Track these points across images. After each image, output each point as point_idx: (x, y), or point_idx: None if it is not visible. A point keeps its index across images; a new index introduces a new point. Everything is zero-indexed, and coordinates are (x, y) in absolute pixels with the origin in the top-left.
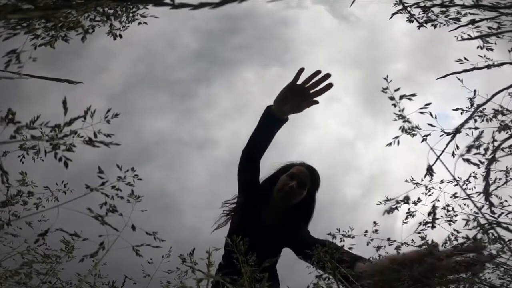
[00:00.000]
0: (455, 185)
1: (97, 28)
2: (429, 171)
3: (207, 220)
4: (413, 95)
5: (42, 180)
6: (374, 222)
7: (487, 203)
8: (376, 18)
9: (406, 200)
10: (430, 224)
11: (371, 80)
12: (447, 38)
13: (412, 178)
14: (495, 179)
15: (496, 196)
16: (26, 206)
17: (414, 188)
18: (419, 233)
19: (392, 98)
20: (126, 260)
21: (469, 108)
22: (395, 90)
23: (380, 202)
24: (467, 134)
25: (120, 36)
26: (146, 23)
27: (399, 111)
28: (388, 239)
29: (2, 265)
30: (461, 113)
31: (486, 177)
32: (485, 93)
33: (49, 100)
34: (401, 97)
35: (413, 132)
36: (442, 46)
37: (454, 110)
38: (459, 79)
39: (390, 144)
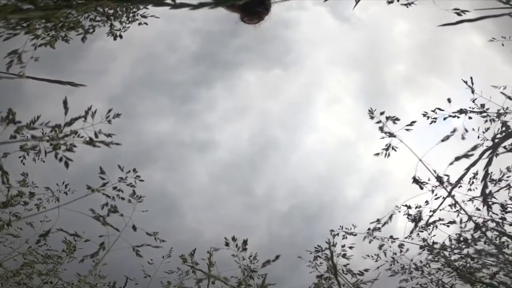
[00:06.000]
0: (459, 187)
1: (97, 29)
2: (417, 182)
3: (208, 221)
4: (397, 119)
5: (43, 181)
6: (378, 220)
7: (485, 205)
8: (377, 19)
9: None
10: (431, 226)
11: (372, 81)
12: (448, 39)
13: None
14: (495, 180)
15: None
16: (27, 206)
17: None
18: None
19: (379, 122)
20: (127, 260)
21: (472, 109)
22: (381, 114)
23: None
24: (463, 138)
25: (121, 36)
26: (146, 23)
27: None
28: (391, 237)
29: (3, 265)
30: (465, 114)
31: (484, 178)
32: (487, 94)
33: (50, 101)
34: (387, 119)
35: (396, 147)
36: (442, 47)
37: (454, 112)
38: (464, 82)
39: (377, 154)
